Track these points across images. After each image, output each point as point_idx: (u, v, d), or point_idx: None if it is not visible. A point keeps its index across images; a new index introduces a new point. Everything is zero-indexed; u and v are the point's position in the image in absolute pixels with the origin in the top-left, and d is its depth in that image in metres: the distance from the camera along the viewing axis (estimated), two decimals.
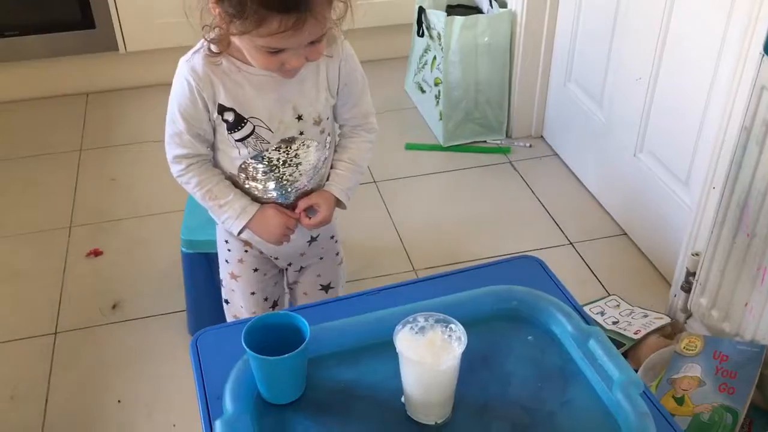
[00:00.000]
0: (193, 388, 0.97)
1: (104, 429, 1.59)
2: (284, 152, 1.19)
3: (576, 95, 2.26)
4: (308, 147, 1.20)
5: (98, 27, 2.59)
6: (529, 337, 1.02)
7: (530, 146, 2.48)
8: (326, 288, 1.42)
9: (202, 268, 1.63)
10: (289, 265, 1.37)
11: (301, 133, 1.18)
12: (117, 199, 2.26)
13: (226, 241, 1.33)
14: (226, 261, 1.36)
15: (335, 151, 1.28)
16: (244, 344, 0.90)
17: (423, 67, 2.56)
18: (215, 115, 1.14)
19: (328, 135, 1.23)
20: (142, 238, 2.09)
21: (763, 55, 1.26)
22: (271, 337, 0.92)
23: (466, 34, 2.31)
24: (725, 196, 1.42)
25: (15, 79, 2.69)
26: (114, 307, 1.88)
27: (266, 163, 1.19)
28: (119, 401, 1.64)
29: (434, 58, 2.45)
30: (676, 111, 1.79)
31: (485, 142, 2.50)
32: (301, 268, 1.38)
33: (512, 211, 2.20)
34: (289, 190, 1.23)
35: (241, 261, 1.34)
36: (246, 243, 1.31)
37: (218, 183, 1.20)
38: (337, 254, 1.41)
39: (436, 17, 2.35)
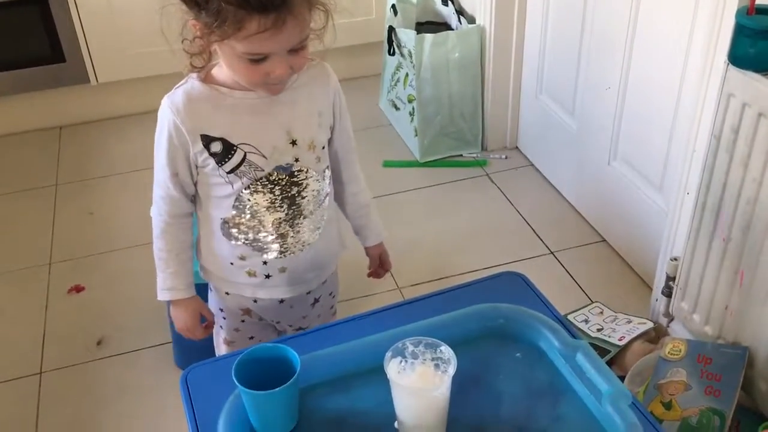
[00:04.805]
0: (185, 421, 0.97)
1: None
2: (282, 185, 1.14)
3: (548, 106, 2.29)
4: (306, 177, 1.16)
5: (68, 60, 2.58)
6: (518, 354, 1.03)
7: (506, 158, 2.51)
8: None
9: None
10: (290, 326, 1.33)
11: (297, 160, 1.13)
12: (96, 232, 2.24)
13: (221, 309, 1.29)
14: (221, 327, 1.32)
15: (346, 203, 1.31)
16: (234, 379, 0.90)
17: (396, 85, 2.58)
18: (200, 148, 1.10)
19: (326, 168, 1.20)
20: (123, 271, 2.08)
21: (728, 64, 1.29)
22: (262, 369, 0.92)
23: (436, 51, 2.34)
24: (699, 202, 1.45)
25: None
26: (99, 343, 1.86)
27: (263, 194, 1.14)
28: None
29: (406, 75, 2.47)
30: (647, 119, 1.83)
31: (461, 155, 2.52)
32: (300, 327, 1.34)
33: (492, 223, 2.22)
34: (289, 230, 1.18)
35: (237, 330, 1.31)
36: (244, 311, 1.27)
37: (174, 251, 1.20)
38: (332, 307, 1.38)
39: (407, 36, 2.37)
